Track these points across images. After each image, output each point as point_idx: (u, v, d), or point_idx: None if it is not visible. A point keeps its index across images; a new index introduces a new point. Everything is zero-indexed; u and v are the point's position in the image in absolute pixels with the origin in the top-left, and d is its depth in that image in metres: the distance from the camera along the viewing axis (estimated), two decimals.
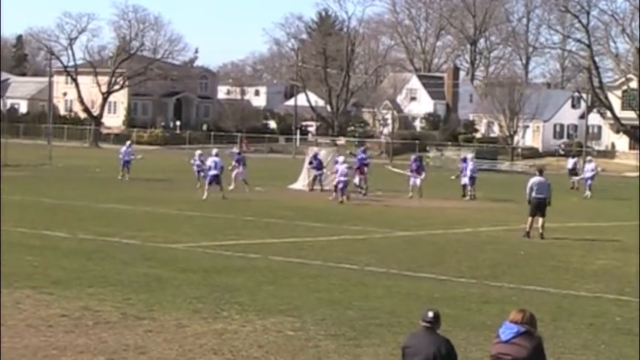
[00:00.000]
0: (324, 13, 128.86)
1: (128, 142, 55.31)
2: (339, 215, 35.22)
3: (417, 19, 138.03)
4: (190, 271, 20.79)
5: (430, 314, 9.52)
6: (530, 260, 24.63)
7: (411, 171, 45.83)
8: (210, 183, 40.58)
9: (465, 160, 47.68)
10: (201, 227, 29.78)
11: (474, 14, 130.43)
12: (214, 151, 44.71)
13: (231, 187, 43.87)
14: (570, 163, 58.56)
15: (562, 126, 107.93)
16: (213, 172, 40.63)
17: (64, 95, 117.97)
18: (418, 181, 44.95)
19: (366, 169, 46.59)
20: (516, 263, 24.03)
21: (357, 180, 45.60)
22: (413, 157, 50.22)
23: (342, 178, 41.13)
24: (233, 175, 45.45)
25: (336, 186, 41.60)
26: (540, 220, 29.27)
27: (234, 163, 46.35)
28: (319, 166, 46.73)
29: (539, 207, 29.32)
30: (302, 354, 14.00)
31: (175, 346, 14.16)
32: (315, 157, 47.25)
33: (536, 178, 29.93)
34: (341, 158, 43.55)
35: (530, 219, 29.36)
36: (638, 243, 27.59)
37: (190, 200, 39.10)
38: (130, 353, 13.75)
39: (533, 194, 29.42)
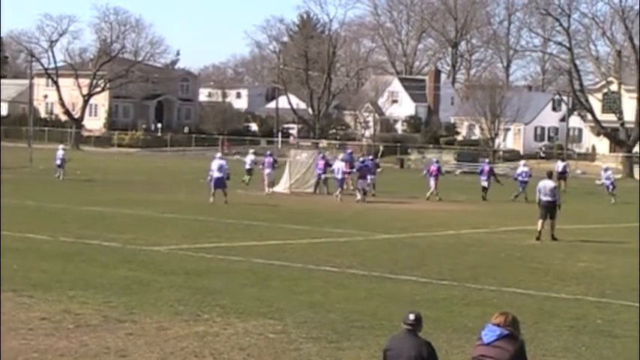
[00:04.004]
0: (305, 16, 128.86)
1: (62, 146, 55.36)
2: (321, 218, 35.21)
3: (399, 21, 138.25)
4: (171, 274, 20.73)
5: (411, 317, 9.50)
6: (511, 263, 24.67)
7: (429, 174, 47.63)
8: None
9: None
10: (182, 230, 29.70)
11: (455, 17, 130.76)
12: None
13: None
14: (560, 166, 57.84)
15: (543, 129, 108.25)
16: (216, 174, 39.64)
17: (44, 98, 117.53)
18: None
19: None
20: (497, 265, 24.06)
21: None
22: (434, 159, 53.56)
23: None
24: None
25: (362, 188, 43.63)
26: (550, 222, 29.55)
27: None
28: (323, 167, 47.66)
29: (547, 209, 29.62)
30: (283, 357, 13.98)
31: (156, 349, 14.11)
32: (323, 158, 48.54)
33: (544, 182, 30.30)
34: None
35: (540, 221, 29.63)
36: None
37: (171, 202, 39.01)
38: (111, 356, 13.70)
39: (541, 197, 29.82)
